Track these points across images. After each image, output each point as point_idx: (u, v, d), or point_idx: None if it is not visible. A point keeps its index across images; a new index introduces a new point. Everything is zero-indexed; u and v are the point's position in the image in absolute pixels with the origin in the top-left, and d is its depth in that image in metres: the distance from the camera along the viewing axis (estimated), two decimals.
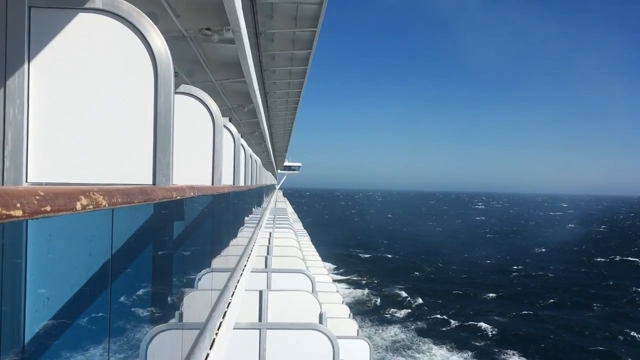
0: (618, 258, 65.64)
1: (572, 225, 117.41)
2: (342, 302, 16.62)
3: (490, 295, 43.17)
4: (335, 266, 53.61)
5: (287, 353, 9.81)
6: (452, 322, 35.04)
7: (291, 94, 26.22)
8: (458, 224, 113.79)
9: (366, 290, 43.68)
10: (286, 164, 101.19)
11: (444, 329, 33.99)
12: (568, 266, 58.65)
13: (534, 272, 54.21)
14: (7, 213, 1.19)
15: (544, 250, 71.93)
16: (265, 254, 15.69)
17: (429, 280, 50.22)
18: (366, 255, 62.25)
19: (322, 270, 21.13)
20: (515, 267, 56.83)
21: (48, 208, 1.39)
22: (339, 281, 44.92)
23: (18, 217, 1.23)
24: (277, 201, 59.74)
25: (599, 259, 65.31)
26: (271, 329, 9.92)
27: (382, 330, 32.97)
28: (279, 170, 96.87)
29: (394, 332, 32.65)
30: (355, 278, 48.99)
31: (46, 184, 2.68)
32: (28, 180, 2.66)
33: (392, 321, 34.98)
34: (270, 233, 20.12)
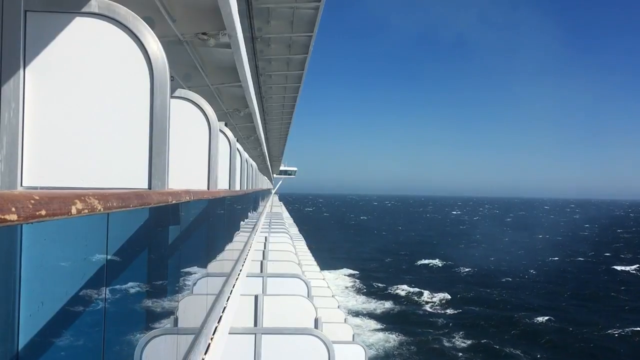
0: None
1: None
2: (338, 306, 16.61)
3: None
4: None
5: (282, 358, 9.79)
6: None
7: (287, 99, 26.24)
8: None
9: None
10: (282, 168, 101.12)
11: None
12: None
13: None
14: (2, 217, 1.18)
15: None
16: (261, 259, 15.67)
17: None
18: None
19: (318, 275, 21.11)
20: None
21: (43, 212, 1.39)
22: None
23: (13, 221, 1.22)
24: (273, 205, 59.66)
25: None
26: (266, 334, 9.90)
27: None
28: (274, 175, 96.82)
29: None
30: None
31: (41, 188, 2.67)
32: (23, 185, 2.65)
33: None
34: (265, 237, 20.11)
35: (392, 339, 31.86)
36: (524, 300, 43.68)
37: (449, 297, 43.36)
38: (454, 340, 32.10)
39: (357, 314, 37.30)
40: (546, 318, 37.06)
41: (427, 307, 41.11)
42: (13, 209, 1.23)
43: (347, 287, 46.84)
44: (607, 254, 73.22)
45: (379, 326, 34.61)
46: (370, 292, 45.35)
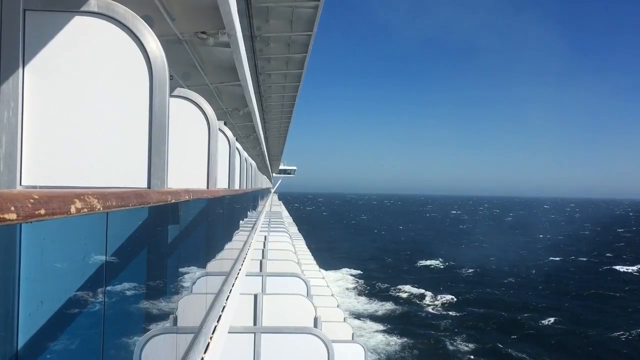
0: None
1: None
2: (337, 305, 16.61)
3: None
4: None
5: (282, 357, 9.79)
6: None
7: (287, 97, 26.26)
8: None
9: None
10: (281, 167, 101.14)
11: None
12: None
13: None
14: (1, 216, 1.18)
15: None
16: (260, 258, 15.67)
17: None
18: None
19: (317, 274, 21.12)
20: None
21: (42, 211, 1.39)
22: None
23: (12, 220, 1.23)
24: (273, 205, 59.65)
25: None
26: (266, 333, 9.90)
27: None
28: (274, 174, 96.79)
29: None
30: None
31: (40, 187, 2.67)
32: (22, 184, 2.65)
33: None
34: (265, 237, 20.12)
35: (394, 341, 31.51)
36: (527, 300, 43.33)
37: (451, 297, 42.95)
38: (456, 342, 31.81)
39: (358, 315, 36.80)
40: (551, 319, 36.82)
41: (429, 309, 40.66)
42: (12, 208, 1.23)
43: (347, 288, 46.28)
44: (609, 254, 73.01)
45: (380, 328, 34.18)
46: (372, 293, 44.84)
